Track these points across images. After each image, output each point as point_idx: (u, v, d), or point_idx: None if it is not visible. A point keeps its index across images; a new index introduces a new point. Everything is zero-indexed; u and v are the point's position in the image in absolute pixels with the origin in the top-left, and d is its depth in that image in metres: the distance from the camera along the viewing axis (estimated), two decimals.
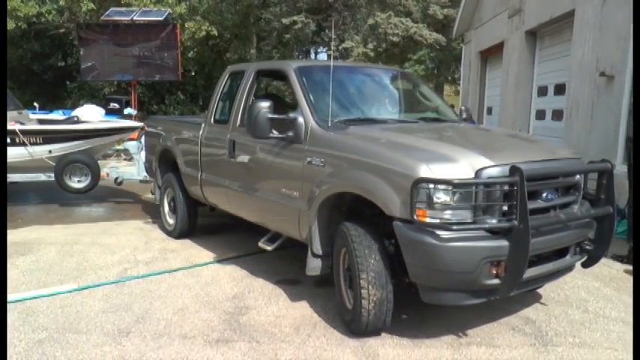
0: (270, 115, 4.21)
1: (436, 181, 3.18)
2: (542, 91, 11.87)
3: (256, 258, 5.59)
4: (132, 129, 8.85)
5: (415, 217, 3.18)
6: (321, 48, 27.64)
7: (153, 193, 7.23)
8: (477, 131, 5.23)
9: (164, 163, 6.84)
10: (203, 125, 5.85)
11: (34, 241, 6.27)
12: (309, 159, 4.14)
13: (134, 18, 16.80)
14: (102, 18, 17.05)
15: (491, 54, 15.20)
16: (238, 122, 5.23)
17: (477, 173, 3.29)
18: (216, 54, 23.00)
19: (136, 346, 3.60)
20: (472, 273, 3.20)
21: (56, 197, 9.02)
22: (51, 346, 3.60)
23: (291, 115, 4.36)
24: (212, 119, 5.79)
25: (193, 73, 22.71)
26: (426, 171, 3.25)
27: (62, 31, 20.25)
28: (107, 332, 3.82)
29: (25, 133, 7.84)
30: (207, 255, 5.73)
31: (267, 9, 21.70)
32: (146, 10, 17.73)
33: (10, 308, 4.25)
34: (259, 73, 5.48)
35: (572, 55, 9.71)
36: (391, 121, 4.76)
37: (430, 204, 3.17)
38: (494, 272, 3.26)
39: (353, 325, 3.72)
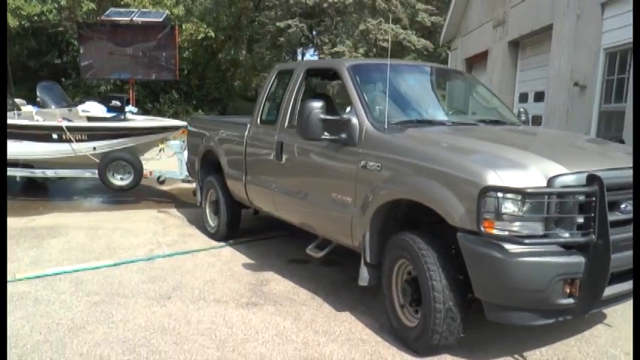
0: (323, 116, 4.03)
1: (506, 190, 2.94)
2: (523, 98, 12.70)
3: (267, 242, 6.28)
4: (175, 128, 8.98)
5: (482, 228, 2.93)
6: (312, 51, 28.37)
7: (195, 194, 7.15)
8: (543, 134, 4.99)
9: (207, 164, 6.70)
10: (249, 126, 5.70)
11: (61, 226, 6.89)
12: (363, 162, 3.93)
13: (133, 18, 17.38)
14: (101, 18, 17.61)
15: (477, 61, 16.00)
16: (287, 123, 5.06)
17: (550, 181, 3.03)
18: (210, 54, 23.63)
19: (178, 308, 4.27)
20: (543, 291, 2.96)
21: (67, 189, 9.67)
22: (106, 307, 4.26)
23: (345, 116, 4.18)
24: (258, 119, 5.62)
25: (186, 72, 23.27)
26: (494, 178, 3.01)
27: (60, 29, 20.74)
28: (151, 297, 4.49)
29: (71, 129, 8.06)
30: (222, 239, 6.38)
31: (262, 12, 22.41)
32: (145, 11, 18.29)
33: (61, 278, 4.90)
34: (309, 73, 5.33)
35: (550, 66, 10.54)
36: (449, 123, 4.51)
37: (498, 214, 2.93)
38: (568, 291, 3.01)
39: (418, 344, 3.49)
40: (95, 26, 17.44)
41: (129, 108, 15.08)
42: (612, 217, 3.06)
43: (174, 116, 19.37)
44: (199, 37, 20.13)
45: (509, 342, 3.77)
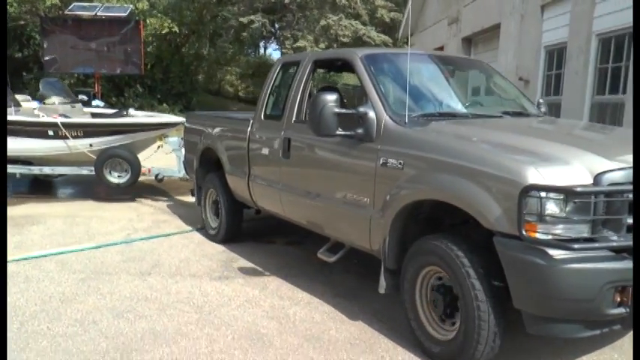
0: (337, 110, 3.73)
1: (550, 189, 2.67)
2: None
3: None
4: (173, 124, 8.91)
5: (524, 232, 2.67)
6: (274, 45, 28.91)
7: (193, 194, 7.00)
8: (575, 125, 4.77)
9: (206, 162, 6.41)
10: (251, 121, 5.41)
11: (39, 215, 7.27)
12: (383, 160, 3.64)
13: (97, 13, 17.54)
14: (65, 12, 17.71)
15: None
16: (294, 118, 4.79)
17: (597, 178, 2.77)
18: (173, 49, 23.88)
19: (158, 281, 4.79)
20: (592, 301, 2.69)
21: (37, 183, 9.98)
22: (93, 282, 4.74)
23: (361, 109, 3.84)
24: (262, 115, 5.34)
25: (150, 66, 23.47)
26: (536, 176, 2.73)
27: (21, 22, 20.72)
28: (132, 273, 4.99)
29: (66, 126, 8.01)
30: (192, 224, 6.88)
31: (225, 7, 22.81)
32: (109, 5, 18.48)
33: (47, 260, 5.35)
34: (317, 64, 5.04)
35: (499, 61, 11.32)
36: (472, 116, 4.23)
37: (541, 217, 2.67)
38: (619, 300, 2.74)
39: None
40: (58, 20, 17.54)
41: (95, 102, 15.34)
42: None
43: (139, 110, 19.58)
44: (163, 32, 20.42)
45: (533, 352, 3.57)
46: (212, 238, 6.15)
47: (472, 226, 3.16)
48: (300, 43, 20.67)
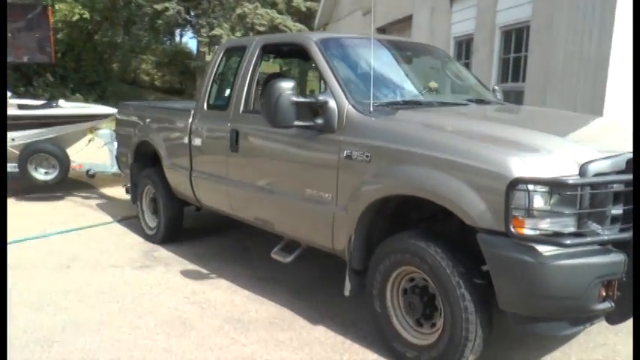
0: (295, 99, 3.47)
1: (539, 182, 2.53)
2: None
3: None
4: (105, 116, 8.36)
5: (512, 228, 2.51)
6: (190, 33, 28.48)
7: (128, 192, 6.54)
8: (547, 113, 4.62)
9: (142, 156, 6.03)
10: (192, 112, 5.06)
11: None
12: (347, 152, 3.40)
13: None
14: None
15: None
16: (242, 108, 4.48)
17: (583, 168, 2.62)
18: (85, 36, 23.03)
19: (78, 274, 4.79)
20: (580, 298, 2.60)
21: None
22: (9, 278, 4.68)
23: (321, 97, 3.60)
24: (205, 105, 4.97)
25: (60, 55, 22.56)
26: (522, 168, 2.58)
27: None
28: (51, 267, 4.96)
29: None
30: (112, 216, 6.85)
31: None
32: None
33: None
34: (265, 49, 4.65)
35: None
36: (438, 104, 4.03)
37: (529, 211, 2.52)
38: (604, 294, 2.66)
39: None
40: None
41: None
42: None
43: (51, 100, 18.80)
44: (74, 19, 19.66)
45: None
46: (150, 239, 5.81)
47: (440, 220, 3.14)
48: (217, 32, 20.59)
